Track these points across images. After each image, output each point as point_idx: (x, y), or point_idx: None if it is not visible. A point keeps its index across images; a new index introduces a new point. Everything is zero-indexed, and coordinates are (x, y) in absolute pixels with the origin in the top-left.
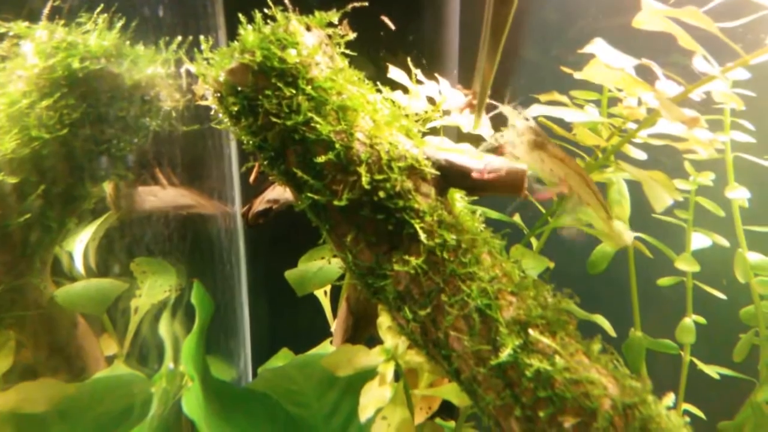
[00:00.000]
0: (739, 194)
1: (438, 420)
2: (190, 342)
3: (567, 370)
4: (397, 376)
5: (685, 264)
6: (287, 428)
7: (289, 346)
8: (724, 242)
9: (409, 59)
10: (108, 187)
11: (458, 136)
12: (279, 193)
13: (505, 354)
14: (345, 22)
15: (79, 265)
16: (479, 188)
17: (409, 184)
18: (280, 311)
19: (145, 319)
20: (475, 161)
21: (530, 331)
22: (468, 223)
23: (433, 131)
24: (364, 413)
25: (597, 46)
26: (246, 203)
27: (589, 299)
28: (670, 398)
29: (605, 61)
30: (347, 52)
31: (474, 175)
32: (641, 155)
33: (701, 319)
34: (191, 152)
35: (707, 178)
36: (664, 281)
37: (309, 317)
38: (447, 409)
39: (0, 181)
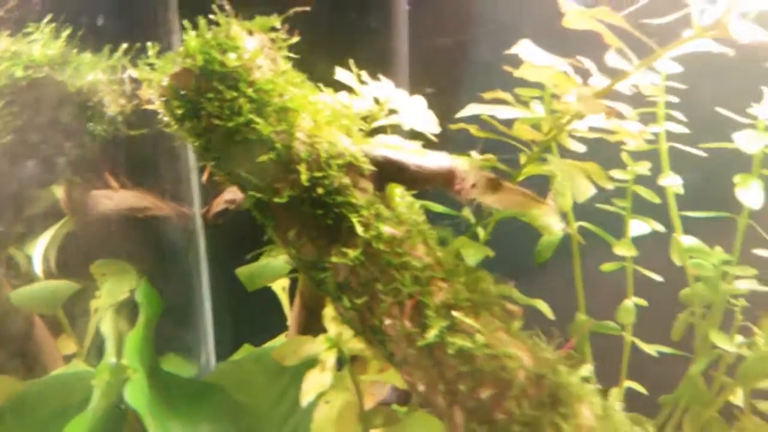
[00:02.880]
0: (672, 181)
1: (394, 406)
2: (134, 336)
3: (487, 346)
4: (342, 363)
5: (623, 249)
6: (234, 415)
7: (252, 341)
8: (660, 228)
9: (353, 62)
10: (60, 192)
11: (411, 134)
12: (235, 193)
13: (431, 335)
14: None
15: (38, 268)
16: (415, 182)
17: (346, 180)
18: (243, 309)
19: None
20: (415, 156)
21: (455, 313)
22: (405, 216)
23: (383, 129)
24: (305, 398)
25: (522, 47)
26: (206, 204)
27: (542, 287)
28: (587, 368)
29: (529, 61)
30: (292, 55)
31: (412, 169)
32: (581, 148)
33: (642, 301)
34: (142, 155)
35: (644, 168)
36: (606, 267)
37: (271, 313)
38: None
39: None
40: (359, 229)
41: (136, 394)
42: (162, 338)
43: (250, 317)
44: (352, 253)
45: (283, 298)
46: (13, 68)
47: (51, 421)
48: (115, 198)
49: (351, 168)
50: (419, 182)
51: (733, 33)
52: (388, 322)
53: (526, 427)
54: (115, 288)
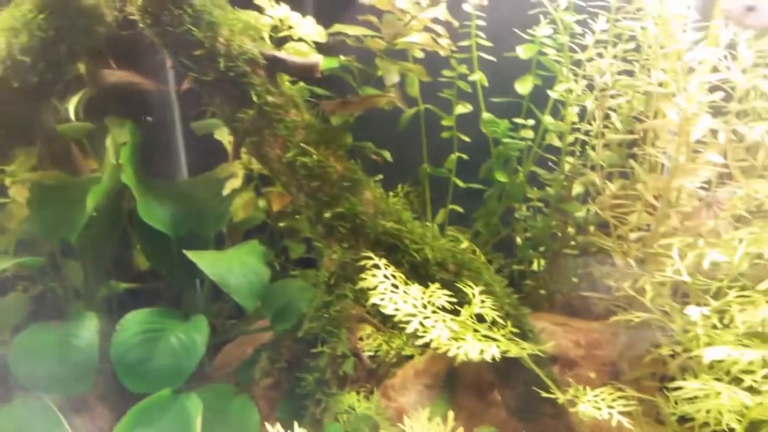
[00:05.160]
0: (477, 77)
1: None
2: (124, 150)
3: (319, 162)
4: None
5: (448, 122)
6: (188, 198)
7: None
8: (470, 108)
9: None
10: (83, 68)
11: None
12: None
13: (290, 155)
14: None
15: (72, 115)
16: (291, 72)
17: (248, 69)
18: (206, 152)
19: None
20: (292, 56)
21: (304, 145)
22: (285, 92)
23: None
24: (225, 191)
25: None
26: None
27: (405, 150)
28: (379, 176)
29: None
30: None
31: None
32: (420, 54)
33: (464, 156)
34: (131, 48)
35: (464, 69)
36: (444, 134)
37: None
38: None
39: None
40: (254, 98)
41: (127, 177)
42: (149, 169)
43: (210, 160)
44: (251, 112)
45: (228, 147)
46: None
47: (79, 196)
48: (116, 74)
49: (252, 61)
50: (295, 72)
51: None
52: (269, 151)
53: (333, 199)
54: (119, 132)
